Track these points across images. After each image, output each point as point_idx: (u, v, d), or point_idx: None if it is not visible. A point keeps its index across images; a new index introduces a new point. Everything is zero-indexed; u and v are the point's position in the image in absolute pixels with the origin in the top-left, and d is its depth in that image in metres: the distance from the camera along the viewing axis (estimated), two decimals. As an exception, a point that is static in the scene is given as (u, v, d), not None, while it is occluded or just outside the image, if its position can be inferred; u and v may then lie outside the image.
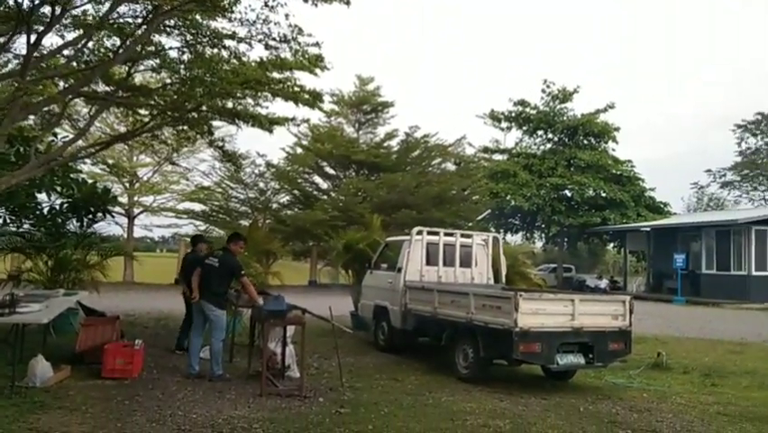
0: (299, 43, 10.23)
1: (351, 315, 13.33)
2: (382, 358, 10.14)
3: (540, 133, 40.25)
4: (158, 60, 10.71)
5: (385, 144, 34.19)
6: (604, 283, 33.00)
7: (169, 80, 11.63)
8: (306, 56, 10.72)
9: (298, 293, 21.41)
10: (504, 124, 41.11)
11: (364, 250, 13.52)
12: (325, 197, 33.37)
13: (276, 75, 11.67)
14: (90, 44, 9.82)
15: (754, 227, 28.10)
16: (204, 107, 11.66)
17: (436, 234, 11.05)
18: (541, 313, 7.80)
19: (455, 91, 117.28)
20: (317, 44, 10.44)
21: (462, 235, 11.33)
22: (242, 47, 10.30)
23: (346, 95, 34.18)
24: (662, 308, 23.99)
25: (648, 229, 33.86)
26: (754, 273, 27.76)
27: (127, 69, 10.92)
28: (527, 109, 39.73)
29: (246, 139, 60.57)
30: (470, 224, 30.59)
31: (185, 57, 10.52)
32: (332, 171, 34.36)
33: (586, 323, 7.96)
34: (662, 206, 39.16)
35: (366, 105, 34.43)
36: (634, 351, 9.03)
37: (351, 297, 14.36)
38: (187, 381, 7.72)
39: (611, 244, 44.47)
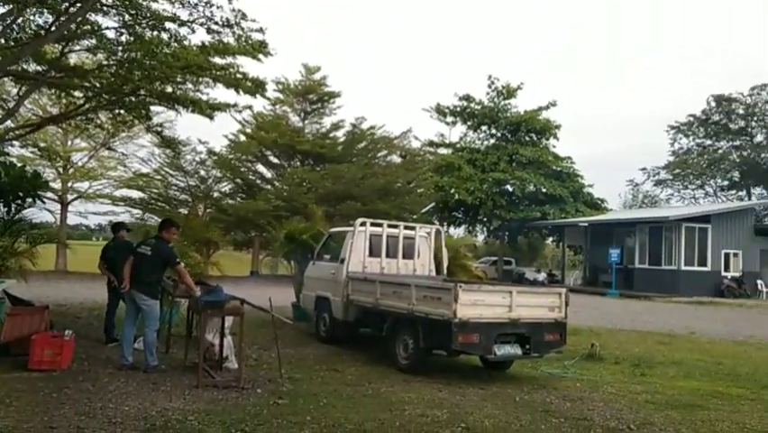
0: (243, 28, 10.03)
1: (292, 306, 13.22)
2: (323, 349, 10.09)
3: (484, 128, 40.93)
4: (94, 41, 10.30)
5: (331, 135, 34.01)
6: (542, 276, 33.89)
7: (105, 62, 11.21)
8: (250, 41, 10.52)
9: (239, 284, 21.12)
10: (449, 119, 41.62)
11: (307, 241, 13.42)
12: (269, 186, 32.99)
13: (218, 60, 11.42)
14: (20, 20, 9.34)
15: (684, 224, 29.43)
16: (142, 91, 11.30)
17: (380, 225, 11.05)
18: (480, 304, 7.90)
19: (402, 81, 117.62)
20: (261, 30, 10.27)
21: (406, 227, 11.38)
22: (184, 30, 10.02)
23: (292, 83, 33.84)
24: (597, 300, 24.82)
25: (585, 224, 34.94)
26: (684, 268, 29.10)
27: (61, 48, 10.47)
28: (472, 104, 40.31)
29: (187, 125, 59.10)
30: (415, 216, 30.83)
31: (123, 38, 10.16)
32: (276, 161, 33.97)
33: (523, 314, 8.13)
34: (599, 202, 40.52)
35: (312, 94, 34.13)
36: (569, 342, 9.29)
37: (293, 288, 14.24)
38: (120, 372, 7.48)
39: (550, 239, 45.72)
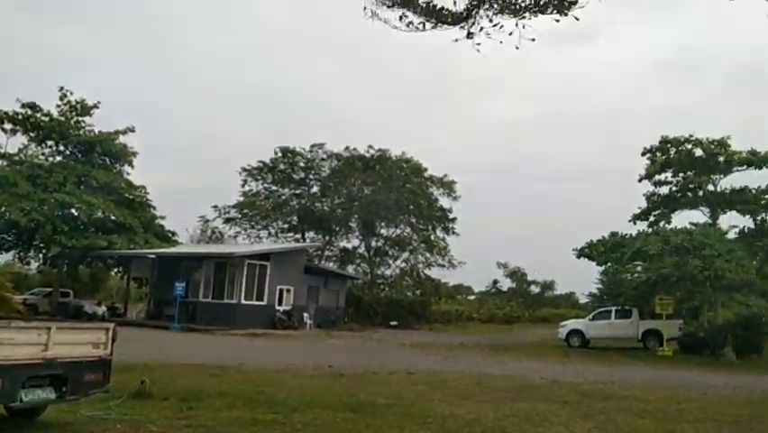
0: None
1: None
2: None
3: (51, 143, 37.01)
4: None
5: None
6: (102, 310, 31.89)
7: None
8: None
9: None
10: (8, 126, 36.27)
11: None
12: None
13: None
14: None
15: (247, 261, 31.70)
16: None
17: None
18: (7, 344, 6.79)
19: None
20: None
21: None
22: None
23: None
24: (158, 334, 24.41)
25: (153, 256, 34.38)
26: (243, 302, 31.21)
27: None
28: (38, 114, 36.00)
29: None
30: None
31: None
32: None
33: (61, 353, 7.30)
34: (170, 234, 40.51)
35: None
36: (120, 380, 8.88)
37: None
38: None
39: (116, 269, 43.45)
